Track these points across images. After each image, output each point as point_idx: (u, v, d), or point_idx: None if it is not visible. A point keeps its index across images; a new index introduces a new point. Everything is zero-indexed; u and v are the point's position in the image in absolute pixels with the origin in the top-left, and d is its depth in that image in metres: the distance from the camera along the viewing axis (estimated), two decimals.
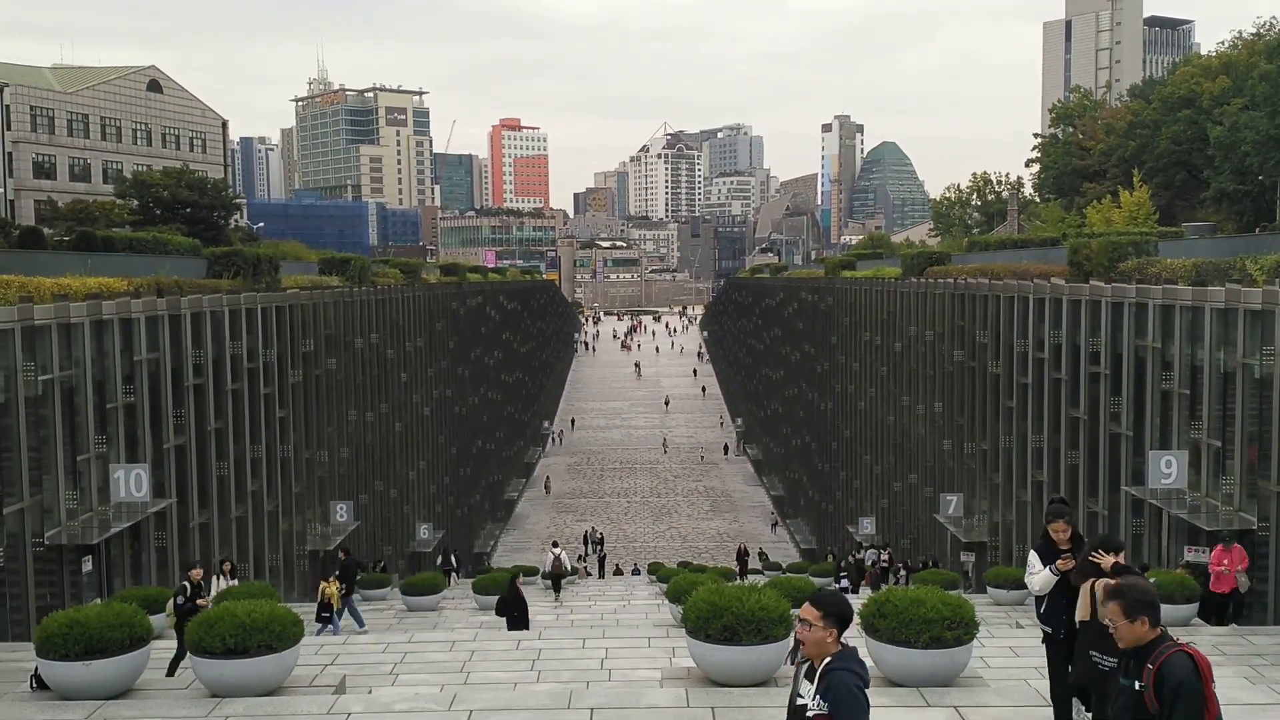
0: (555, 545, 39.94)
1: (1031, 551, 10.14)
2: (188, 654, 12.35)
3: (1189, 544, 24.40)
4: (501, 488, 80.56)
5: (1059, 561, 9.86)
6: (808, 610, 6.28)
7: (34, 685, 12.83)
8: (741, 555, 52.43)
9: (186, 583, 17.09)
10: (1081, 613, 9.45)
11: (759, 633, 11.72)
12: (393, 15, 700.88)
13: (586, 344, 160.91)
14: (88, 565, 24.15)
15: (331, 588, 24.47)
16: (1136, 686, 6.14)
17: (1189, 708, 6.01)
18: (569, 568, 37.14)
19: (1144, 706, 6.12)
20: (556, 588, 34.27)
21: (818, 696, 6.16)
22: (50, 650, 11.80)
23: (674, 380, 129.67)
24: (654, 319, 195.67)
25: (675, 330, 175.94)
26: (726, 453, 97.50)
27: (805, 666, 6.38)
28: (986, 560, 37.23)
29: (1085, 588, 9.43)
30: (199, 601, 16.64)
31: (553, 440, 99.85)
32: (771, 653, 11.94)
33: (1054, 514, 10.14)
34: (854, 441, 58.67)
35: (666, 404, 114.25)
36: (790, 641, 12.94)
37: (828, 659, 6.19)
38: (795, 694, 6.40)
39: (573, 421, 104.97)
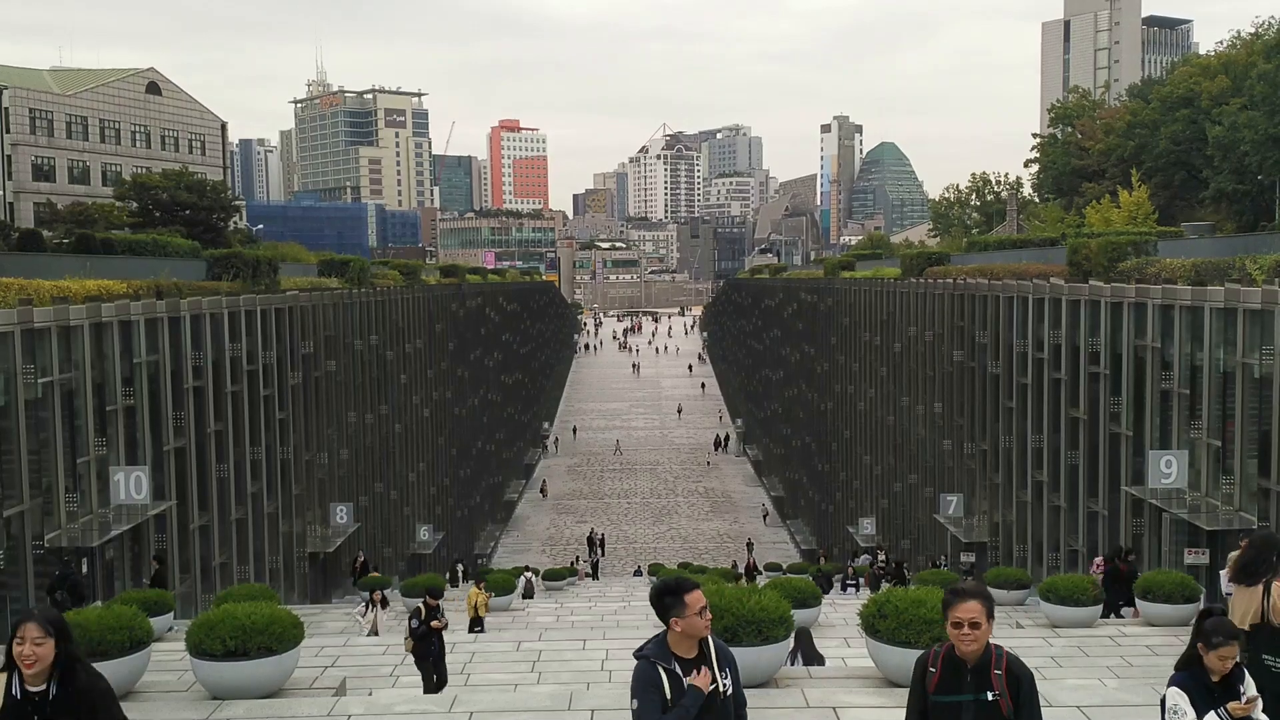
0: (528, 569, 43.41)
1: (1172, 690, 6.87)
2: (189, 656, 12.30)
3: (1189, 545, 24.42)
4: (501, 489, 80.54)
5: (1234, 705, 6.74)
6: (701, 596, 6.04)
7: None
8: (750, 569, 50.94)
9: (422, 605, 15.79)
10: (1254, 616, 8.22)
11: (759, 634, 11.72)
12: (391, 16, 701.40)
13: (588, 345, 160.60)
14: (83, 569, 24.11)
15: (481, 596, 23.82)
16: (990, 697, 5.88)
17: (1037, 701, 6.02)
18: (535, 591, 39.35)
19: (1000, 715, 5.90)
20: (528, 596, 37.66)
21: (727, 670, 6.09)
22: None
23: (673, 381, 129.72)
24: (653, 319, 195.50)
25: (674, 332, 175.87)
26: (717, 448, 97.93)
27: (679, 664, 5.99)
28: (987, 560, 37.24)
29: (1256, 590, 8.26)
30: (434, 624, 15.42)
31: (546, 449, 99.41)
32: (772, 653, 11.95)
33: (1224, 634, 6.88)
34: (854, 442, 58.66)
35: (679, 411, 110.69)
36: (790, 642, 12.95)
37: (707, 636, 6.12)
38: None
39: (574, 430, 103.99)
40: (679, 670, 5.96)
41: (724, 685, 6.01)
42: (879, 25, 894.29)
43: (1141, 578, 20.51)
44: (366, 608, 22.71)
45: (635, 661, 6.09)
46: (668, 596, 6.05)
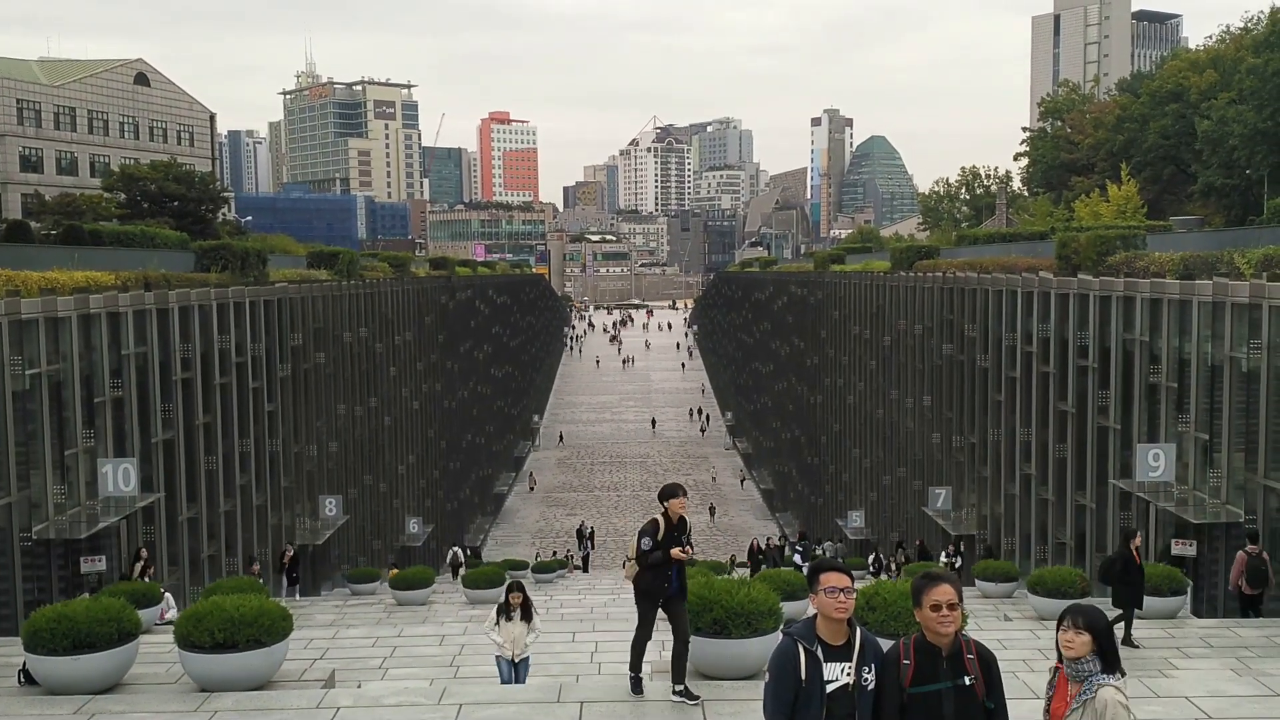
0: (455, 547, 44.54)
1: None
2: (177, 649, 12.26)
3: (1176, 536, 24.52)
4: (491, 482, 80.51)
5: None
6: (840, 578, 5.98)
7: (22, 680, 12.81)
8: (755, 552, 50.14)
9: (660, 519, 11.16)
10: None
11: (748, 626, 11.73)
12: (380, 7, 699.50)
13: (578, 337, 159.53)
14: (100, 564, 23.98)
15: None
16: (967, 682, 5.93)
17: (1002, 681, 6.06)
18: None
19: (976, 699, 5.94)
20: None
21: (871, 665, 6.00)
22: (38, 645, 11.77)
23: (663, 375, 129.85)
24: (648, 314, 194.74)
25: (664, 326, 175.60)
26: (692, 416, 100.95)
27: (821, 648, 5.97)
28: (975, 553, 37.33)
29: None
30: (675, 553, 10.63)
31: (536, 444, 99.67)
32: (760, 646, 11.95)
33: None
34: (843, 435, 58.75)
35: (706, 422, 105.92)
36: (779, 635, 12.98)
37: (856, 627, 6.08)
38: (822, 680, 5.92)
39: (561, 435, 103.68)
40: (820, 653, 5.96)
41: (865, 679, 5.99)
42: (867, 18, 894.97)
43: None
44: (499, 615, 15.02)
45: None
46: (810, 574, 6.14)
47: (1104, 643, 6.06)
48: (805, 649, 5.98)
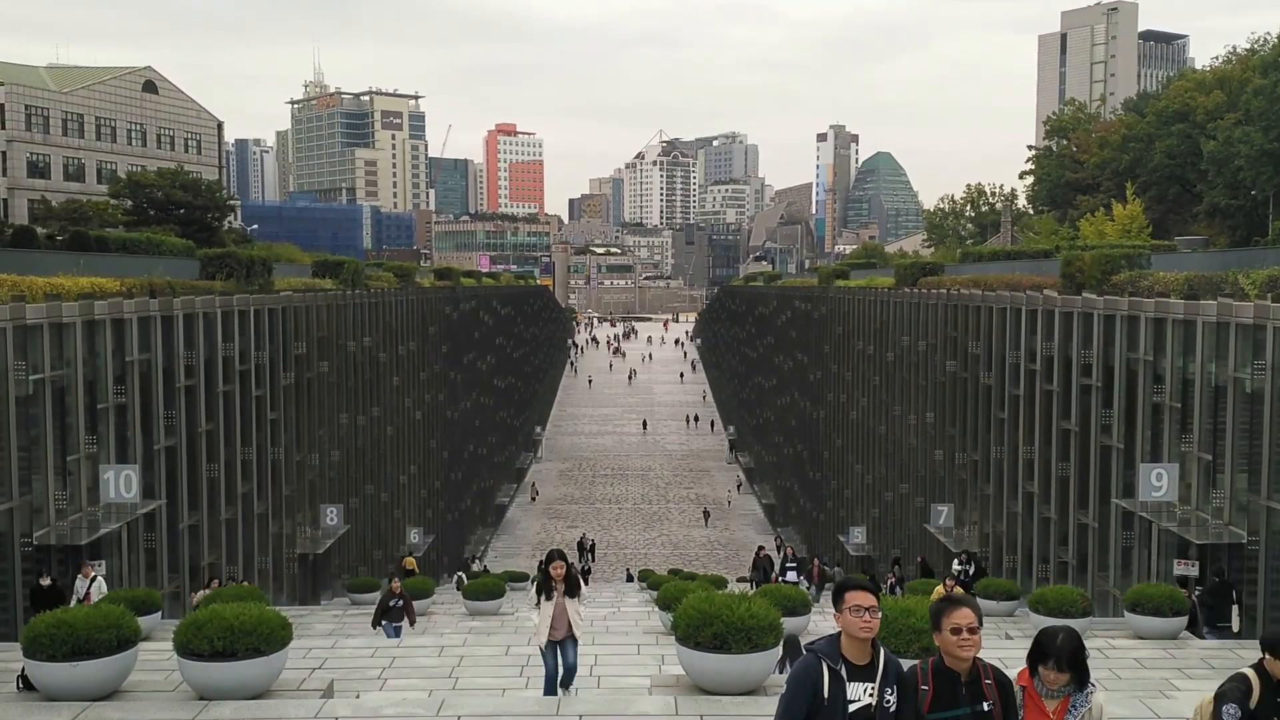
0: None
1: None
2: (176, 656, 12.23)
3: (1179, 557, 24.47)
4: (492, 493, 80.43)
5: None
6: (866, 596, 5.94)
7: (21, 686, 12.78)
8: (760, 560, 48.57)
9: None
10: None
11: (749, 641, 11.71)
12: (389, 19, 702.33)
13: (582, 349, 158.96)
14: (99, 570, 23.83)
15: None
16: (986, 708, 5.95)
17: (1017, 706, 6.12)
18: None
19: None
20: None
21: (894, 686, 5.97)
22: (37, 651, 11.75)
23: (666, 388, 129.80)
24: (665, 325, 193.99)
25: (668, 339, 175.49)
26: (689, 423, 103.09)
27: (845, 666, 5.95)
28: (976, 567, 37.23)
29: None
30: None
31: (538, 455, 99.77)
32: (761, 661, 11.93)
33: None
34: (845, 450, 58.67)
35: (643, 429, 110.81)
36: (779, 650, 12.95)
37: (879, 648, 6.04)
38: (845, 699, 5.91)
39: (542, 449, 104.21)
40: (843, 672, 5.93)
41: (887, 700, 5.97)
42: (870, 36, 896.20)
43: (1130, 590, 20.54)
44: (539, 594, 13.85)
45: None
46: (836, 591, 6.12)
47: (1082, 672, 6.27)
48: (829, 667, 5.94)
